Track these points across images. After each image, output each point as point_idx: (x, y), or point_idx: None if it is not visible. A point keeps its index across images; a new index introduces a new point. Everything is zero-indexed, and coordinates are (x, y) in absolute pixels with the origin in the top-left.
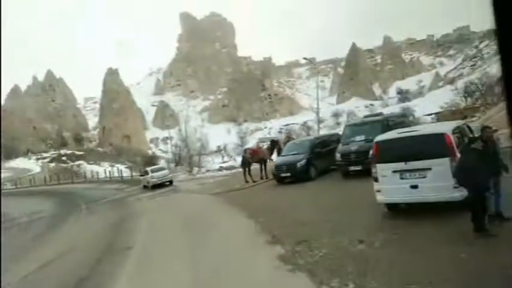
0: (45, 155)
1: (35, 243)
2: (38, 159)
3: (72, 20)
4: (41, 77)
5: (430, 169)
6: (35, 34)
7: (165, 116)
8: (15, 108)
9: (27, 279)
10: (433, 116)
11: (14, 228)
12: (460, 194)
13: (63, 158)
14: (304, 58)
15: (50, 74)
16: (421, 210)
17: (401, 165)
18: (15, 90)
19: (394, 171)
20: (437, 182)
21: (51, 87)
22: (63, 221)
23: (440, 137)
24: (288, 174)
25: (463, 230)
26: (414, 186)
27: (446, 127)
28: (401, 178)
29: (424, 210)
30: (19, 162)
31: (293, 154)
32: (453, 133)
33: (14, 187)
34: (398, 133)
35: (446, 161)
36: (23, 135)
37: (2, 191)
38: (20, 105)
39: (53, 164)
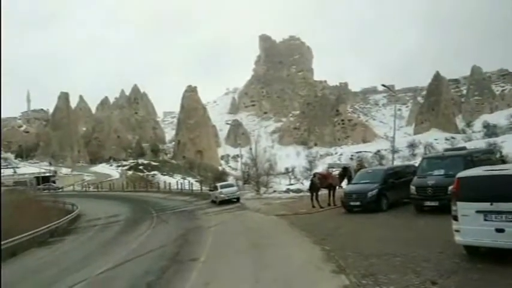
0: (124, 163)
1: (109, 245)
2: (118, 166)
3: (159, 38)
4: (127, 91)
5: None
6: (124, 49)
7: (238, 134)
8: (104, 118)
9: (100, 277)
10: None
11: (94, 228)
12: None
13: (140, 167)
14: (383, 85)
15: (135, 88)
16: (504, 256)
17: (486, 206)
18: (104, 101)
19: (478, 211)
20: None
21: (135, 100)
22: (136, 227)
23: None
24: (358, 203)
25: None
26: (500, 230)
27: None
28: (486, 220)
29: (508, 256)
30: (102, 168)
31: (364, 183)
32: None
33: (96, 190)
34: (485, 170)
35: None
36: (108, 143)
37: (87, 193)
38: (107, 116)
39: (130, 172)
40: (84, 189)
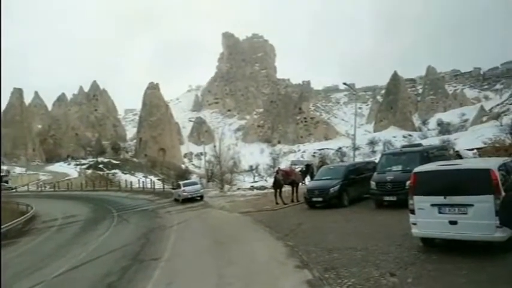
0: (83, 161)
1: (68, 246)
2: (76, 165)
3: (119, 35)
4: (86, 87)
5: (472, 205)
6: (84, 45)
7: (201, 132)
8: (60, 115)
9: (58, 279)
10: (475, 151)
11: (51, 229)
12: (503, 234)
13: (100, 165)
14: (344, 83)
15: (94, 85)
16: (458, 247)
17: (440, 199)
18: (61, 98)
19: (433, 205)
20: (479, 219)
21: (94, 97)
22: (96, 227)
23: (485, 172)
24: (320, 199)
25: (503, 273)
26: (453, 222)
27: (492, 163)
28: (440, 212)
29: (461, 247)
30: (59, 167)
31: (326, 179)
32: (499, 170)
33: (52, 190)
34: (439, 165)
35: (490, 198)
36: (66, 141)
37: (42, 193)
38: (64, 113)
39: (90, 171)
40: (39, 189)
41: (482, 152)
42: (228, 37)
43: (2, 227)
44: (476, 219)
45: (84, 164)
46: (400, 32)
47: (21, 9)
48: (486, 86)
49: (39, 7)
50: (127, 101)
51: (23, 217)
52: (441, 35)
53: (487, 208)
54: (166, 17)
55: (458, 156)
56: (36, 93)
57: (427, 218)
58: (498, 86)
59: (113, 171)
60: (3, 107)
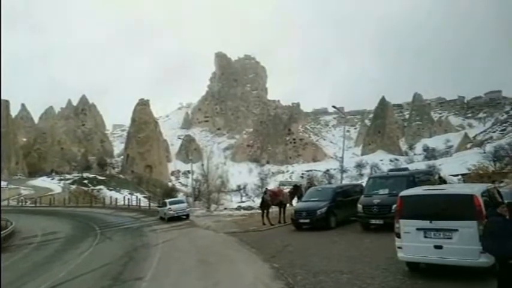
0: (68, 176)
1: (47, 264)
2: (60, 179)
3: (112, 51)
4: (75, 101)
5: (456, 230)
6: (75, 60)
7: (190, 149)
8: (47, 128)
9: None
10: (459, 177)
11: (30, 246)
12: (487, 260)
13: (85, 181)
14: (333, 106)
15: (83, 99)
16: (443, 272)
17: (426, 223)
18: (49, 111)
19: (418, 229)
20: (463, 244)
21: (83, 111)
22: (77, 245)
23: (469, 198)
24: (307, 220)
25: None
26: (438, 247)
27: (476, 189)
28: (425, 237)
29: (446, 272)
30: (42, 181)
31: (314, 201)
32: (482, 196)
33: (33, 205)
34: (425, 190)
35: (474, 223)
36: (50, 156)
37: (22, 208)
38: (51, 126)
39: (74, 186)
40: (20, 204)
41: (466, 178)
42: (220, 57)
43: None
44: (461, 244)
45: (68, 179)
46: (388, 60)
47: (13, 21)
48: (470, 114)
49: (30, 20)
50: (116, 117)
51: (1, 232)
52: (428, 64)
53: (471, 233)
54: (160, 35)
55: (442, 181)
56: (23, 105)
57: (413, 242)
58: (481, 115)
59: (98, 187)
60: None
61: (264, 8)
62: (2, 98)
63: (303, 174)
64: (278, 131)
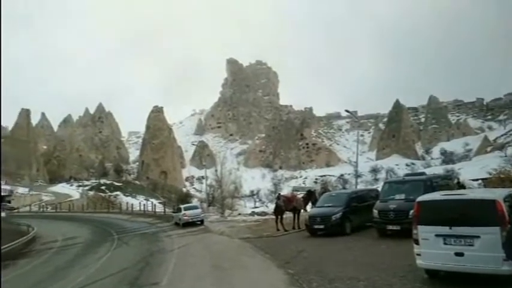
0: (86, 182)
1: (67, 269)
2: (79, 186)
3: (125, 58)
4: (92, 109)
5: (478, 237)
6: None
7: (203, 155)
8: (66, 136)
9: None
10: (479, 181)
11: (51, 251)
12: (510, 268)
13: (102, 187)
14: (346, 111)
15: (100, 107)
16: (463, 280)
17: (445, 230)
18: (68, 119)
19: (437, 235)
20: (485, 251)
21: (99, 119)
22: (96, 249)
23: (491, 203)
24: (322, 226)
25: None
26: (459, 254)
27: (498, 193)
28: (445, 243)
29: (466, 280)
30: (62, 188)
31: (328, 206)
32: (505, 201)
33: (54, 211)
34: (443, 195)
35: (496, 230)
36: (69, 163)
37: (44, 213)
38: (70, 134)
39: (92, 192)
40: (41, 209)
41: (487, 183)
42: (232, 63)
43: (2, 248)
44: (483, 251)
45: (86, 186)
46: (403, 61)
47: (29, 30)
48: (490, 117)
49: (47, 28)
50: (131, 124)
51: (22, 238)
52: (444, 65)
53: (494, 240)
54: (173, 42)
55: (460, 186)
56: (43, 114)
57: (432, 248)
58: (502, 117)
59: (115, 193)
60: (10, 127)
61: (274, 13)
62: (23, 107)
63: (316, 179)
64: (290, 136)
